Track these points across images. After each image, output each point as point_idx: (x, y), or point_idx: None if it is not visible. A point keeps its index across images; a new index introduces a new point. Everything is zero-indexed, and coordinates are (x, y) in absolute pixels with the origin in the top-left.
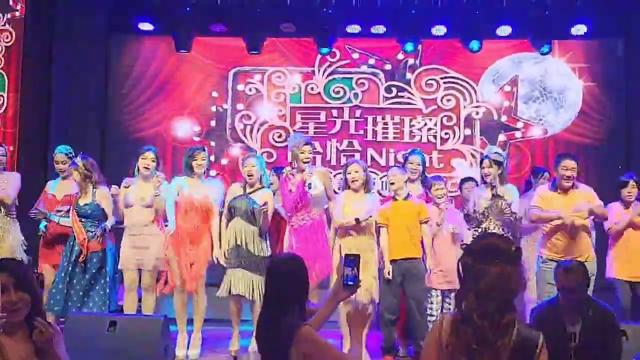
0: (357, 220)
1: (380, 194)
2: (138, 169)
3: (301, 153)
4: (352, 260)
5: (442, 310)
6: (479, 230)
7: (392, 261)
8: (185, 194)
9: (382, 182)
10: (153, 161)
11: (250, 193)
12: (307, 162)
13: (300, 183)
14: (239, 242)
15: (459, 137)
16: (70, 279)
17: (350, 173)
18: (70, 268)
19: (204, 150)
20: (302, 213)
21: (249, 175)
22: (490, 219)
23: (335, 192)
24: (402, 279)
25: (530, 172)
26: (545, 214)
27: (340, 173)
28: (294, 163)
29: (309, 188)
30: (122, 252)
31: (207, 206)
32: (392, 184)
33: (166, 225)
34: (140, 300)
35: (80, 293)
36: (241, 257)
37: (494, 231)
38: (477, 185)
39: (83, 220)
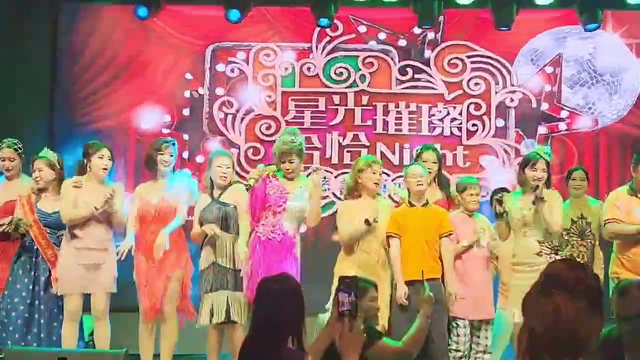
0: (367, 222)
1: (392, 200)
2: (90, 169)
3: (281, 162)
4: (348, 285)
5: (471, 346)
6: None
7: (407, 282)
8: (142, 202)
9: (398, 184)
10: (110, 160)
11: (219, 196)
12: (289, 174)
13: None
14: (217, 260)
15: (490, 129)
16: (33, 307)
17: (412, 176)
18: (33, 295)
19: (173, 144)
20: (271, 220)
21: (221, 177)
22: (572, 244)
23: (338, 199)
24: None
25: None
26: (629, 229)
27: (343, 174)
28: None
29: (250, 188)
30: (62, 271)
31: (169, 212)
32: (420, 185)
33: (117, 246)
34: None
35: (47, 325)
36: (221, 276)
37: (578, 259)
38: (508, 191)
39: (48, 231)
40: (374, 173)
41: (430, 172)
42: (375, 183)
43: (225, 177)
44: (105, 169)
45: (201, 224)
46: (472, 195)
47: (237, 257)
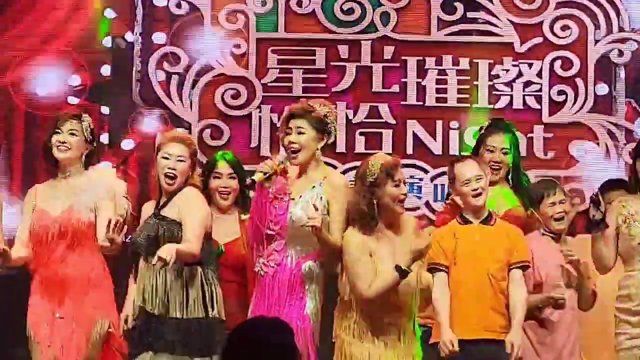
0: (401, 271)
1: (432, 210)
2: None
3: (285, 135)
4: None
5: None
6: None
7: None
8: (38, 214)
9: (437, 186)
10: None
11: (161, 207)
12: (294, 154)
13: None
14: (148, 306)
15: (586, 99)
16: None
17: (465, 183)
18: None
19: (78, 118)
20: (267, 249)
21: (168, 176)
22: None
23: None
24: None
25: None
26: None
27: (353, 169)
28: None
29: (252, 184)
30: None
31: (79, 229)
32: (478, 195)
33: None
34: None
35: None
36: (156, 331)
37: None
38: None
39: None
40: (397, 185)
41: (498, 168)
42: (400, 201)
43: (173, 175)
44: None
45: (129, 247)
46: (555, 206)
47: (184, 301)
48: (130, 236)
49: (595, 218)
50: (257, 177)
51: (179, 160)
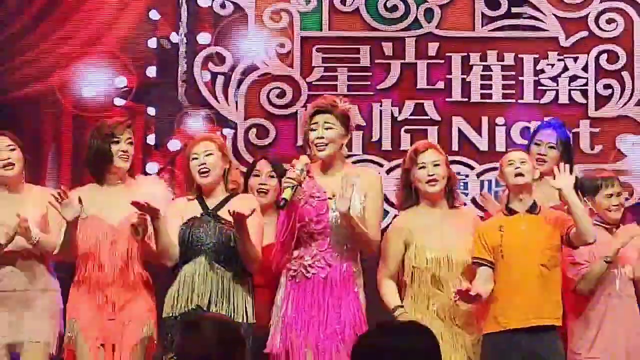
0: (394, 310)
1: (480, 207)
2: None
3: (310, 130)
4: None
5: None
6: None
7: (507, 332)
8: (90, 215)
9: (484, 182)
10: (14, 150)
11: (216, 209)
12: (321, 150)
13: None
14: (198, 302)
15: (633, 93)
16: None
17: (423, 165)
18: None
19: (128, 126)
20: (309, 249)
21: (201, 173)
22: None
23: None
24: None
25: None
26: None
27: (398, 167)
28: (309, 151)
29: (284, 204)
30: None
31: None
32: (519, 175)
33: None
34: None
35: None
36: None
37: None
38: None
39: None
40: (424, 167)
41: (543, 161)
42: (429, 182)
43: (204, 170)
44: (10, 165)
45: (184, 242)
46: (612, 197)
47: (232, 304)
48: (185, 234)
49: None
50: (287, 194)
51: (207, 155)
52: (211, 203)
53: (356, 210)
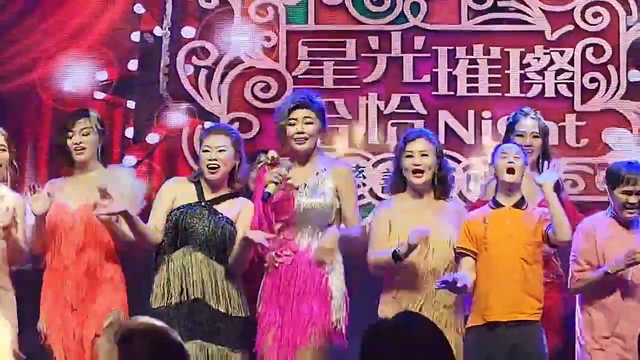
0: (396, 256)
1: (465, 200)
2: None
3: (288, 125)
4: None
5: None
6: None
7: (490, 325)
8: (54, 203)
9: (469, 175)
10: (3, 150)
11: (214, 202)
12: (301, 144)
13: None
14: (194, 294)
15: (618, 86)
16: None
17: (410, 154)
18: None
19: (86, 114)
20: (277, 240)
21: (210, 168)
22: None
23: (379, 199)
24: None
25: None
26: None
27: (385, 161)
28: (284, 144)
29: (268, 197)
30: None
31: (95, 220)
32: (511, 170)
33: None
34: None
35: None
36: (197, 320)
37: None
38: None
39: None
40: (411, 156)
41: (530, 152)
42: (415, 172)
43: (215, 167)
44: None
45: (174, 227)
46: (631, 196)
47: (226, 297)
48: (175, 219)
49: None
50: (271, 188)
51: (219, 151)
52: (209, 194)
53: (327, 199)
